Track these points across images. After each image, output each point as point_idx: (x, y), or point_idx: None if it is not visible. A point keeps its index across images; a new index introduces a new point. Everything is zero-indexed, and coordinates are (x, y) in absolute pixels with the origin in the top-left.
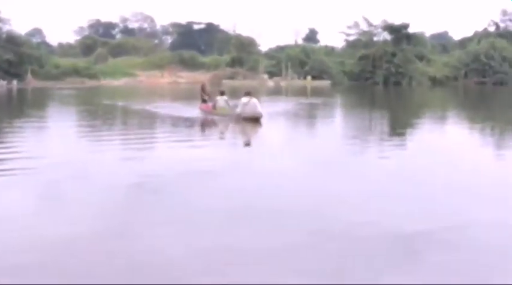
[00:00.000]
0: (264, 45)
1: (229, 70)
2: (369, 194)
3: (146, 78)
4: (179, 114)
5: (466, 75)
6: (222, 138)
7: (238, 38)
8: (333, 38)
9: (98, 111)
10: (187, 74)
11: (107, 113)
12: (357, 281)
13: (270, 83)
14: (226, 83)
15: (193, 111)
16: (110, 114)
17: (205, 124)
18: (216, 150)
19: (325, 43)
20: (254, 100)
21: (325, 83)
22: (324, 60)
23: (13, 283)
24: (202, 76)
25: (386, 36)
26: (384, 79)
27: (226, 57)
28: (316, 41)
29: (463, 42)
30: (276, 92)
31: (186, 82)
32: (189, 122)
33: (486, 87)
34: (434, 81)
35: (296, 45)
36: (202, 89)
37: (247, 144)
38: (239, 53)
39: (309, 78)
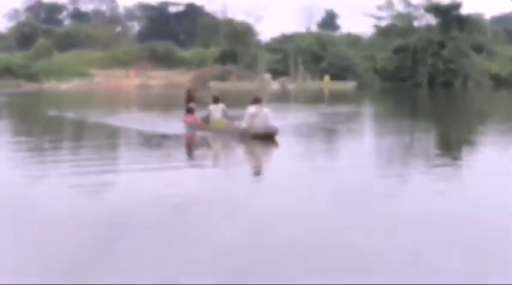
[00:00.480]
0: (265, 33)
1: (218, 69)
2: (422, 252)
3: (105, 80)
4: (154, 129)
5: None
6: (217, 165)
7: (230, 25)
8: (358, 23)
9: (39, 126)
10: (162, 73)
11: (52, 129)
12: None
13: (274, 86)
14: (215, 86)
15: (174, 124)
16: (56, 130)
17: (192, 144)
18: (210, 182)
19: (347, 30)
20: (266, 110)
21: (348, 85)
22: (346, 54)
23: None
24: (181, 77)
25: (431, 20)
26: (429, 79)
27: (214, 51)
28: (336, 28)
29: None
30: (282, 98)
31: (160, 84)
32: (169, 141)
33: None
34: (498, 81)
35: (309, 34)
36: (188, 95)
37: (257, 173)
38: (231, 45)
39: (326, 78)
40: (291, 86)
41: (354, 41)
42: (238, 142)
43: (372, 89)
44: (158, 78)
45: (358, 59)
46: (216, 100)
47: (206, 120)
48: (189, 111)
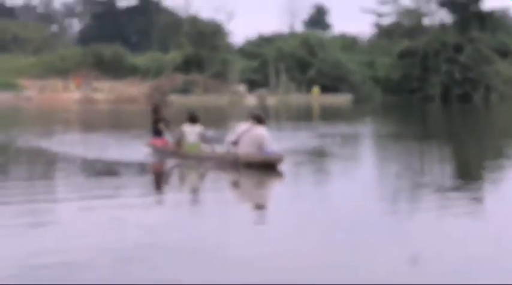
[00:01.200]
0: (238, 34)
1: (180, 79)
2: None
3: (38, 92)
4: (105, 155)
5: None
6: (195, 201)
7: (195, 24)
8: (354, 20)
9: None
10: (110, 85)
11: None
12: None
13: (250, 100)
14: (176, 100)
15: (135, 149)
16: None
17: (162, 175)
18: (188, 226)
19: (341, 30)
20: (261, 130)
21: (343, 99)
22: (340, 60)
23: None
24: (133, 89)
25: (446, 17)
26: (443, 92)
27: (174, 56)
28: (327, 27)
29: None
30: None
31: (107, 98)
32: (128, 170)
33: None
34: None
35: (293, 35)
36: (155, 111)
37: (259, 207)
38: (196, 49)
39: (315, 89)
40: (272, 100)
41: (349, 43)
42: (224, 171)
43: (372, 104)
44: (105, 91)
45: (356, 66)
46: (192, 120)
47: (178, 143)
48: (157, 132)
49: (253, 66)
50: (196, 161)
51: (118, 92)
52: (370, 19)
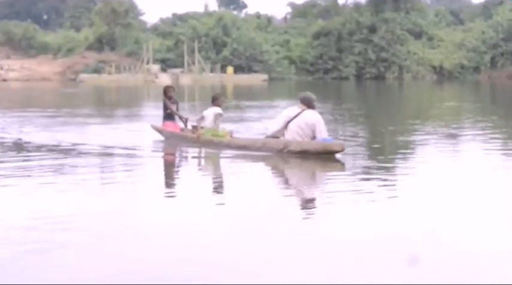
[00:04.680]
0: (152, 13)
1: (92, 57)
2: None
3: None
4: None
5: (493, 63)
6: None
7: (108, 1)
8: (269, 1)
9: None
10: (20, 62)
11: None
12: None
13: (164, 79)
14: (87, 79)
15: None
16: None
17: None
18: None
19: (256, 10)
20: (311, 114)
21: (257, 78)
22: (254, 40)
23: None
24: (46, 66)
25: None
26: (358, 71)
27: (86, 33)
28: (242, 7)
29: (488, 8)
30: (174, 95)
31: (18, 76)
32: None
33: None
34: (441, 74)
35: (207, 14)
36: (165, 93)
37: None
38: (109, 28)
39: (229, 69)
40: (186, 80)
41: (264, 23)
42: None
43: (286, 83)
44: (17, 70)
45: (270, 46)
46: (214, 101)
47: (195, 128)
48: (168, 115)
49: (167, 46)
50: (215, 150)
51: (29, 70)
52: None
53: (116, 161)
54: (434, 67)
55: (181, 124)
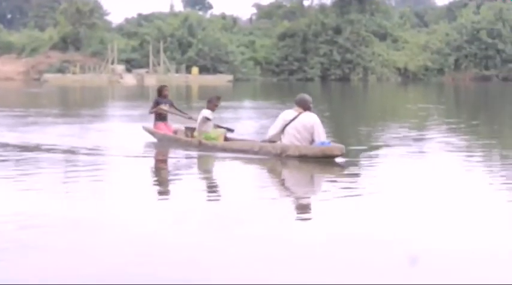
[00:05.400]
0: (117, 13)
1: (56, 57)
2: None
3: None
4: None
5: (457, 64)
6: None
7: (72, 1)
8: (235, 2)
9: None
10: None
11: None
12: None
13: (129, 80)
14: (51, 79)
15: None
16: None
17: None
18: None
19: (221, 11)
20: (308, 117)
21: (222, 79)
22: (220, 41)
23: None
24: (9, 66)
25: None
26: (323, 73)
27: (51, 33)
28: (207, 8)
29: (452, 10)
30: (138, 96)
31: None
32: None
33: (491, 85)
34: (406, 75)
35: (173, 14)
36: (160, 93)
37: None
38: (73, 27)
39: (194, 70)
40: (151, 80)
41: (229, 24)
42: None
43: (251, 85)
44: None
45: (235, 47)
46: (207, 103)
47: (190, 131)
48: (159, 117)
49: (132, 46)
50: (210, 154)
51: None
52: (251, 1)
53: (81, 161)
54: (398, 69)
55: (174, 126)
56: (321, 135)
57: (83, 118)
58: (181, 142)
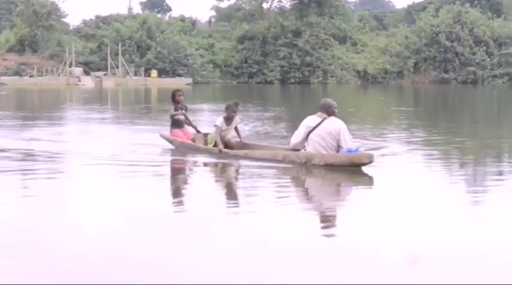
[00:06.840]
0: (75, 15)
1: (13, 60)
2: None
3: None
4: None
5: (416, 68)
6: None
7: (28, 3)
8: (193, 3)
9: None
10: None
11: None
12: None
13: (87, 82)
14: (8, 81)
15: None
16: None
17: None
18: None
19: (180, 13)
20: (333, 122)
21: (181, 82)
22: (179, 43)
23: None
24: None
25: (285, 1)
26: (282, 76)
27: (7, 35)
28: (166, 10)
29: (411, 13)
30: (97, 99)
31: None
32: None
33: (450, 87)
34: (365, 78)
35: (131, 17)
36: (173, 98)
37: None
38: (30, 30)
39: (153, 73)
40: (109, 83)
41: (188, 27)
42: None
43: (210, 87)
44: None
45: (194, 50)
46: (230, 109)
47: (204, 139)
48: (175, 122)
49: (90, 48)
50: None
51: None
52: (210, 2)
53: (40, 164)
54: (358, 72)
55: (192, 133)
56: (348, 142)
57: (42, 120)
58: (200, 150)
